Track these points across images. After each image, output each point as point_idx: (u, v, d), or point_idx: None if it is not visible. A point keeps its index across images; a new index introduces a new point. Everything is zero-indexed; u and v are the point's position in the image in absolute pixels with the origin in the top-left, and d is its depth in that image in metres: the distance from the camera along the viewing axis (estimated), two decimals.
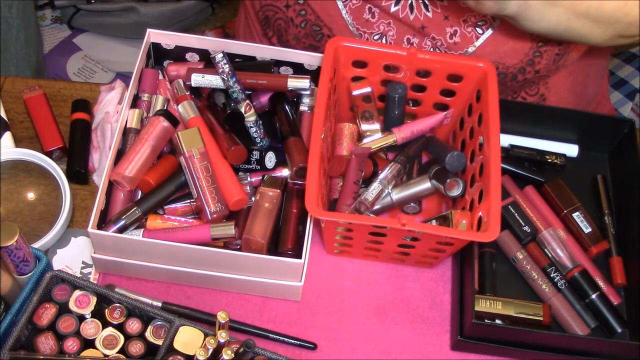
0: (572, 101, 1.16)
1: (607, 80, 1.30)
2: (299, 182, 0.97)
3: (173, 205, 0.96)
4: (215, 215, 0.91)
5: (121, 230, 0.91)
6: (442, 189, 0.95)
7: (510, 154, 1.07)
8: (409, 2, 0.99)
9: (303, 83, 1.00)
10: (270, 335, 0.93)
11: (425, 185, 0.98)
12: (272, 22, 1.08)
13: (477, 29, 1.00)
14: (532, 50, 1.01)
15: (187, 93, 1.01)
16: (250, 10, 1.17)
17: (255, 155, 1.02)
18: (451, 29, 1.00)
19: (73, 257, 0.99)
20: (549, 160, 1.07)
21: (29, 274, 0.87)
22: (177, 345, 0.84)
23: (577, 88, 1.15)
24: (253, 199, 0.95)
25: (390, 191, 0.98)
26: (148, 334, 0.86)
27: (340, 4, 1.01)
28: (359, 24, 1.02)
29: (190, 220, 0.95)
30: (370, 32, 1.02)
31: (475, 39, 1.00)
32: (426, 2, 0.99)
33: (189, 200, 0.96)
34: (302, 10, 1.03)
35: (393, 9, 1.00)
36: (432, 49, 1.02)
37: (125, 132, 0.98)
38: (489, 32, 1.00)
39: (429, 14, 0.99)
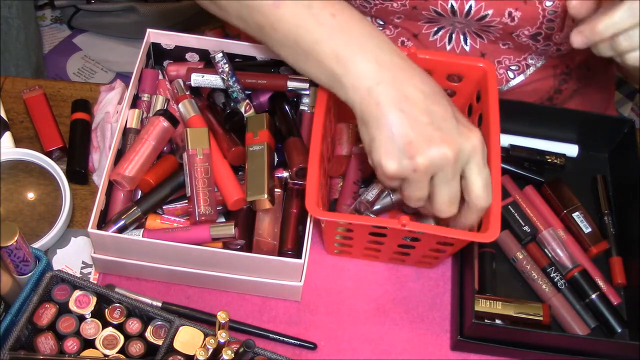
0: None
1: (613, 91, 1.29)
2: (299, 182, 0.97)
3: (172, 205, 0.96)
4: (203, 218, 0.91)
5: (121, 230, 0.91)
6: None
7: (510, 154, 1.07)
8: (449, 32, 0.98)
9: (303, 83, 1.00)
10: (270, 335, 0.93)
11: None
12: None
13: (509, 73, 1.00)
14: (553, 89, 1.01)
15: (187, 93, 1.01)
16: None
17: None
18: None
19: (73, 257, 0.99)
20: (549, 160, 1.07)
21: (29, 274, 0.87)
22: (177, 345, 0.84)
23: (585, 105, 1.16)
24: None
25: (390, 191, 0.98)
26: (148, 334, 0.86)
27: None
28: None
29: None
30: None
31: (504, 82, 1.00)
32: (466, 35, 0.99)
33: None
34: None
35: (432, 37, 0.99)
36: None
37: (125, 132, 0.98)
38: (520, 78, 1.00)
39: (467, 47, 0.98)
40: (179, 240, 0.90)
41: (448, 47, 0.98)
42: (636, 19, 0.75)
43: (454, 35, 0.98)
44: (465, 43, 0.98)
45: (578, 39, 0.78)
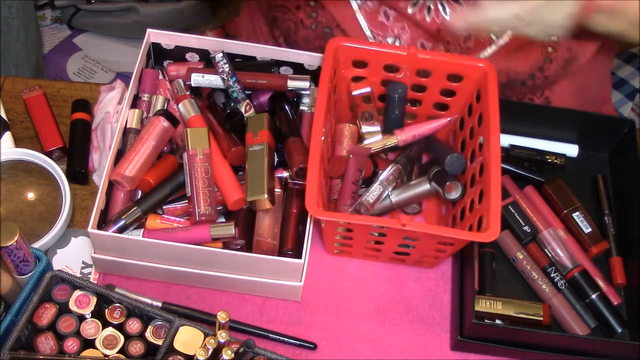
0: (575, 105, 1.16)
1: (610, 84, 1.30)
2: (299, 182, 0.97)
3: (172, 205, 0.96)
4: (203, 218, 0.91)
5: (121, 230, 0.91)
6: (441, 192, 0.95)
7: (510, 154, 1.07)
8: (427, 4, 0.99)
9: (303, 83, 1.00)
10: (270, 335, 0.93)
11: (425, 187, 0.98)
12: (281, 23, 1.08)
13: (492, 35, 1.00)
14: (542, 57, 1.01)
15: (187, 93, 1.01)
16: (256, 10, 1.17)
17: None
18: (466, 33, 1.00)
19: (73, 257, 0.99)
20: (549, 160, 1.07)
21: (29, 274, 0.87)
22: (177, 345, 0.84)
23: (581, 93, 1.15)
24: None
25: (390, 193, 0.98)
26: (148, 334, 0.86)
27: (355, 6, 1.00)
28: (373, 26, 1.01)
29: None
30: (384, 35, 1.02)
31: (489, 44, 1.00)
32: (444, 4, 0.99)
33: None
34: (313, 12, 1.03)
35: (410, 10, 0.99)
36: None
37: (125, 132, 0.98)
38: (504, 38, 1.00)
39: (447, 17, 0.99)
40: (179, 240, 0.90)
41: (428, 19, 0.99)
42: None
43: (431, 5, 0.98)
44: (445, 12, 0.98)
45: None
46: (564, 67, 1.04)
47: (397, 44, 1.02)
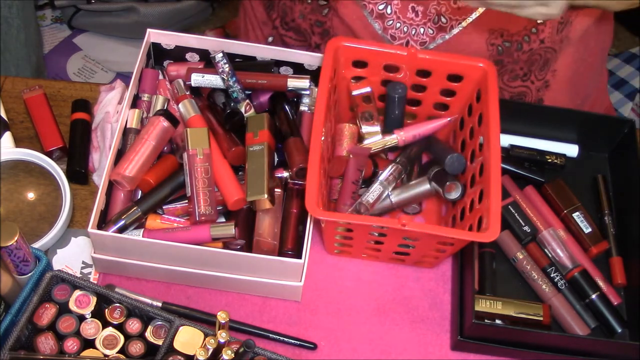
0: (571, 91, 1.15)
1: (606, 76, 1.29)
2: (299, 182, 0.97)
3: (172, 205, 0.96)
4: (203, 218, 0.91)
5: (121, 230, 0.91)
6: (441, 192, 0.95)
7: (510, 154, 1.07)
8: None
9: (303, 83, 1.00)
10: (270, 335, 0.93)
11: (425, 187, 0.98)
12: (277, 2, 1.08)
13: None
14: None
15: (187, 93, 1.01)
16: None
17: None
18: None
19: (73, 257, 0.99)
20: (549, 160, 1.07)
21: (29, 274, 0.87)
22: (177, 345, 0.84)
23: (577, 78, 1.15)
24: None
25: (390, 193, 0.98)
26: (148, 334, 0.86)
27: None
28: None
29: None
30: (374, 3, 1.02)
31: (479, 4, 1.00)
32: None
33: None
34: None
35: None
36: (436, 17, 1.01)
37: (125, 132, 0.98)
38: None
39: None
40: (179, 240, 0.90)
41: None
42: None
43: None
44: None
45: None
46: (558, 30, 1.03)
47: (388, 10, 1.02)
